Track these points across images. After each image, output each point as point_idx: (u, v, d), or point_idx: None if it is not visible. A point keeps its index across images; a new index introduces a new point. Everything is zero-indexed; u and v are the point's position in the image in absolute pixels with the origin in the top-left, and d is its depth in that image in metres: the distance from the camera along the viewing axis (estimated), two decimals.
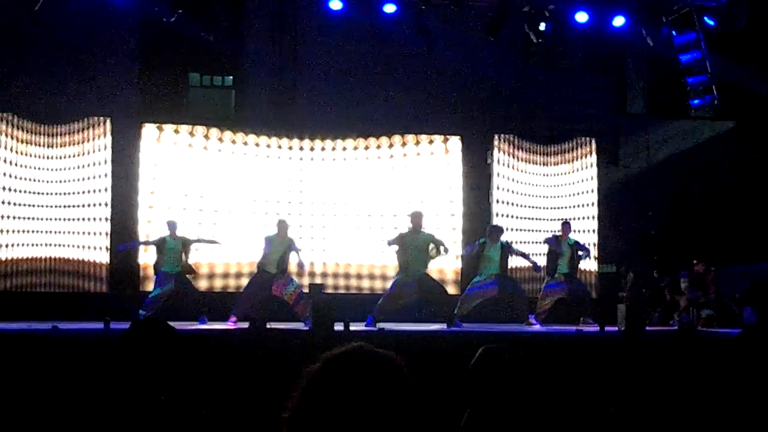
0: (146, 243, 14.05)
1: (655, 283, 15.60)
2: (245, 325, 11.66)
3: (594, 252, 16.35)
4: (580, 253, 14.08)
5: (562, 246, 13.97)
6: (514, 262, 15.28)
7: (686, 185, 18.32)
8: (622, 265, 16.19)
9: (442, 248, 13.15)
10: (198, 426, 3.18)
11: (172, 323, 3.50)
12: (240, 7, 16.47)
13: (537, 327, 13.21)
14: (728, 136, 18.96)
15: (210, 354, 8.70)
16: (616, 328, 11.85)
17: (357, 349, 1.79)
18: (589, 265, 16.14)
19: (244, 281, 15.09)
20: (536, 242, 16.00)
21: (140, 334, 3.35)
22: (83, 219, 14.92)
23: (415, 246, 13.03)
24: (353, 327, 10.99)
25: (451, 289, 15.27)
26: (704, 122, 18.83)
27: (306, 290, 12.88)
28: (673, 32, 14.83)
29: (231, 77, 17.17)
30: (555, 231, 14.82)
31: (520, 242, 16.08)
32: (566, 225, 14.32)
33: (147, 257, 14.67)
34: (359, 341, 1.83)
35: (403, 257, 13.06)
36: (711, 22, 14.49)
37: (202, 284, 14.95)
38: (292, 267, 13.47)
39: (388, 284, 14.94)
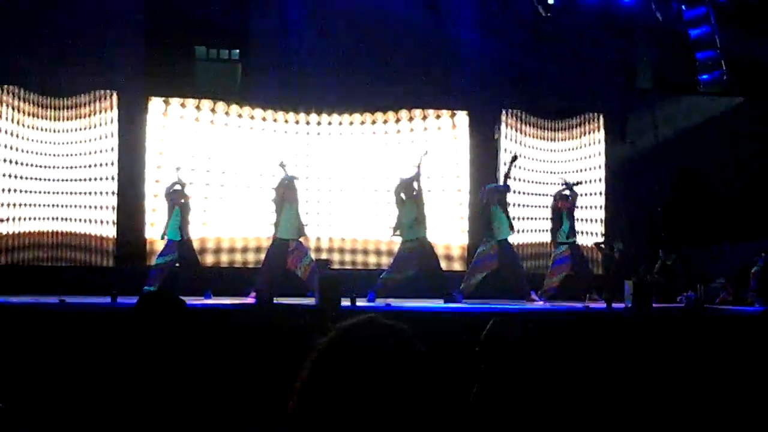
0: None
1: (663, 261, 15.52)
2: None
3: (600, 228, 16.33)
4: (566, 193, 14.06)
5: (565, 211, 13.94)
6: (519, 238, 15.29)
7: (695, 162, 18.24)
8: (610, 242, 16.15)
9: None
10: (206, 400, 3.17)
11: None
12: None
13: (540, 303, 13.16)
14: (737, 111, 18.83)
15: (216, 329, 8.70)
16: (623, 305, 11.84)
17: (370, 321, 1.78)
18: (594, 241, 16.13)
19: (251, 256, 15.12)
20: (544, 218, 15.98)
21: (150, 308, 3.34)
22: (90, 193, 14.91)
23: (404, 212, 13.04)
24: (360, 303, 11.00)
25: (458, 266, 15.26)
26: (713, 98, 18.72)
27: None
28: (683, 6, 14.73)
29: (237, 51, 17.08)
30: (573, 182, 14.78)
31: (528, 218, 16.08)
32: (572, 189, 14.30)
33: (153, 232, 14.67)
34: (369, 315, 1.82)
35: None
36: None
37: (209, 259, 14.97)
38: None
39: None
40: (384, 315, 1.83)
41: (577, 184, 13.85)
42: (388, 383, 1.69)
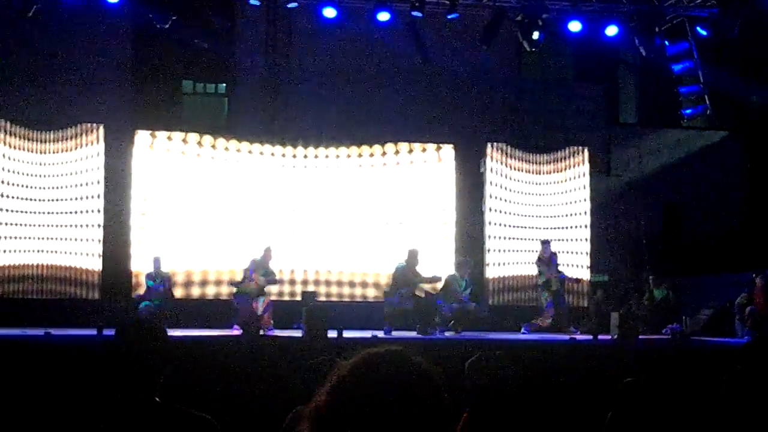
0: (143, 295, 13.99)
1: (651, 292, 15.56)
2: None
3: (586, 261, 16.39)
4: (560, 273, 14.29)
5: (548, 266, 14.09)
6: (504, 271, 15.33)
7: (678, 195, 18.38)
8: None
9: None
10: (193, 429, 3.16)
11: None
12: (233, 15, 16.46)
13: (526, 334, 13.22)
14: (720, 145, 19.03)
15: (205, 360, 8.69)
16: (610, 336, 11.88)
17: (400, 353, 1.78)
18: (581, 273, 16.18)
19: (226, 289, 15.20)
20: (528, 251, 16.00)
21: (131, 336, 3.31)
22: (76, 225, 14.88)
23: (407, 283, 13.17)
24: (346, 334, 11.00)
25: None
26: (696, 132, 18.91)
27: (273, 301, 13.28)
28: (666, 42, 14.88)
29: (224, 84, 17.17)
30: (544, 238, 14.86)
31: (512, 251, 16.13)
32: (546, 244, 14.40)
33: (139, 264, 14.66)
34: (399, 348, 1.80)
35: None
36: (703, 32, 14.55)
37: (195, 291, 14.99)
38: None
39: (381, 292, 14.97)
40: (371, 345, 1.82)
41: None
42: (407, 416, 1.68)
